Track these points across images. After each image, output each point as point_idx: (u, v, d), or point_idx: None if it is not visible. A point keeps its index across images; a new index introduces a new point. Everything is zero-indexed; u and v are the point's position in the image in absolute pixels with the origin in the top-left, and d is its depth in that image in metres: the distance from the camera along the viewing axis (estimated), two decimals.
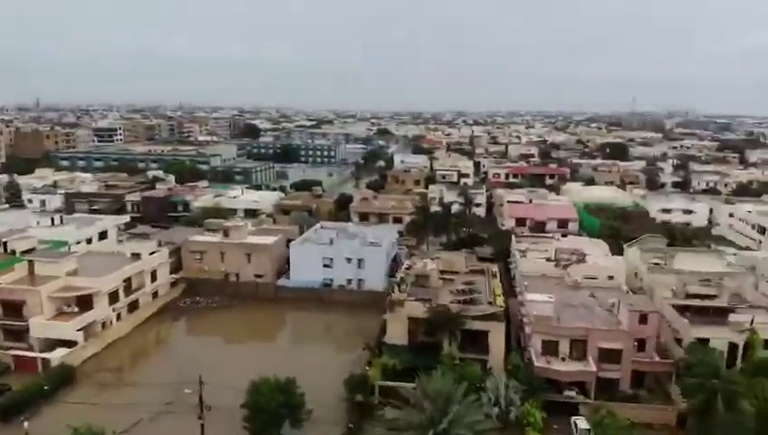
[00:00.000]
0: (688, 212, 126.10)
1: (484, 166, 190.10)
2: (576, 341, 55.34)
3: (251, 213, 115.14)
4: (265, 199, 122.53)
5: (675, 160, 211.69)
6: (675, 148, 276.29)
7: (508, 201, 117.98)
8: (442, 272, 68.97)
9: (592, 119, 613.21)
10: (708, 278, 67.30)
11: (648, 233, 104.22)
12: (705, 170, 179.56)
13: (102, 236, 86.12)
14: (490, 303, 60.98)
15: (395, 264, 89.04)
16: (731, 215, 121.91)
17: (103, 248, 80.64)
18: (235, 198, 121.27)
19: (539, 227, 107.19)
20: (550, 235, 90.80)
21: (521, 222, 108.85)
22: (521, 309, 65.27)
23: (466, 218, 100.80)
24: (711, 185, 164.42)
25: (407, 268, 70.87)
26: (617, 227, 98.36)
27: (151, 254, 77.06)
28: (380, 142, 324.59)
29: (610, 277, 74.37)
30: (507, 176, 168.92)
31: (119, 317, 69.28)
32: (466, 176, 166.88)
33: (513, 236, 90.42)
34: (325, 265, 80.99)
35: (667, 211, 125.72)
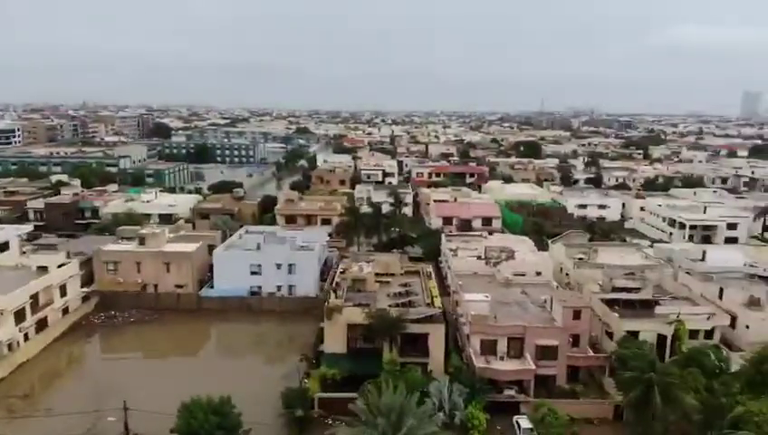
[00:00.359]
0: (603, 207, 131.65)
1: (407, 165, 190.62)
2: (513, 339, 55.38)
3: (166, 218, 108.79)
4: (182, 203, 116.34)
5: (585, 158, 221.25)
6: (583, 145, 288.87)
7: (434, 200, 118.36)
8: (377, 275, 67.35)
9: (503, 118, 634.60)
10: (632, 272, 69.77)
11: (568, 228, 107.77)
12: (614, 166, 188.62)
13: (3, 247, 77.97)
14: (428, 304, 60.03)
15: (326, 267, 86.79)
16: (642, 209, 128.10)
17: (5, 261, 72.92)
18: (148, 202, 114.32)
19: (465, 225, 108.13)
20: (478, 233, 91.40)
21: (448, 221, 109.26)
22: (457, 309, 64.83)
23: (396, 219, 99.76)
24: (620, 180, 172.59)
25: (341, 272, 68.69)
26: (540, 224, 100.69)
27: (60, 266, 70.55)
28: (301, 141, 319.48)
29: (538, 273, 75.94)
30: (430, 175, 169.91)
31: (26, 337, 62.86)
32: (391, 175, 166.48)
33: (442, 236, 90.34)
34: (253, 273, 77.26)
35: (583, 207, 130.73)
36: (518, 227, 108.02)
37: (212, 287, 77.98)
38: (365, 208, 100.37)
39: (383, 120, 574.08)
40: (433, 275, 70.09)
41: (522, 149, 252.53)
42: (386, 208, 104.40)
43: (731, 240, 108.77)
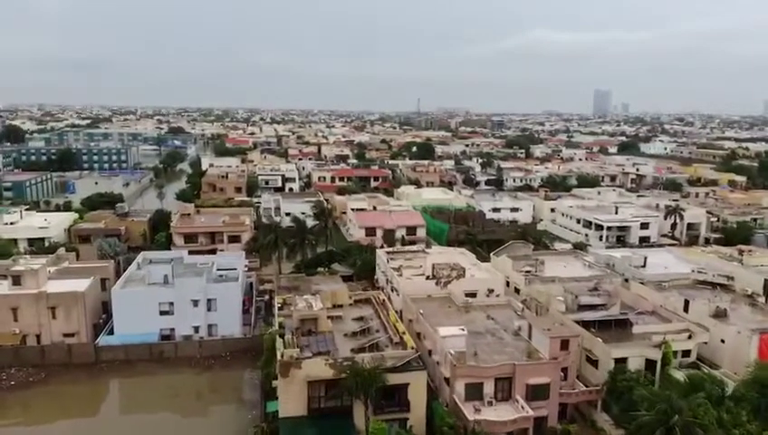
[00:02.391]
0: (515, 210, 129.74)
1: (304, 168, 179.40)
2: (501, 379, 48.22)
3: (38, 243, 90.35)
4: (55, 223, 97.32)
5: (478, 159, 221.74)
6: (467, 146, 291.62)
7: (352, 209, 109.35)
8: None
9: (383, 119, 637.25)
10: (595, 287, 65.40)
11: (491, 234, 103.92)
12: (510, 167, 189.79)
13: None
14: (396, 344, 51.12)
15: (246, 297, 74.84)
16: (552, 210, 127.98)
17: None
18: (12, 224, 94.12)
19: (389, 236, 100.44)
20: (418, 248, 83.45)
21: (371, 231, 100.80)
22: (425, 342, 56.33)
23: (325, 235, 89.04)
24: (518, 181, 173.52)
25: (280, 308, 57.63)
26: (472, 233, 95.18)
27: None
28: (176, 142, 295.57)
29: (490, 291, 69.88)
30: (333, 179, 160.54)
31: None
32: (291, 181, 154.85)
33: (378, 251, 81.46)
34: (163, 312, 63.37)
35: (497, 210, 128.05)
36: (444, 236, 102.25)
37: (111, 333, 63.18)
38: (286, 222, 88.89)
39: (262, 119, 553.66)
40: (387, 304, 61.09)
41: (414, 149, 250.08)
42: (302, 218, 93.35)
43: (643, 239, 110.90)
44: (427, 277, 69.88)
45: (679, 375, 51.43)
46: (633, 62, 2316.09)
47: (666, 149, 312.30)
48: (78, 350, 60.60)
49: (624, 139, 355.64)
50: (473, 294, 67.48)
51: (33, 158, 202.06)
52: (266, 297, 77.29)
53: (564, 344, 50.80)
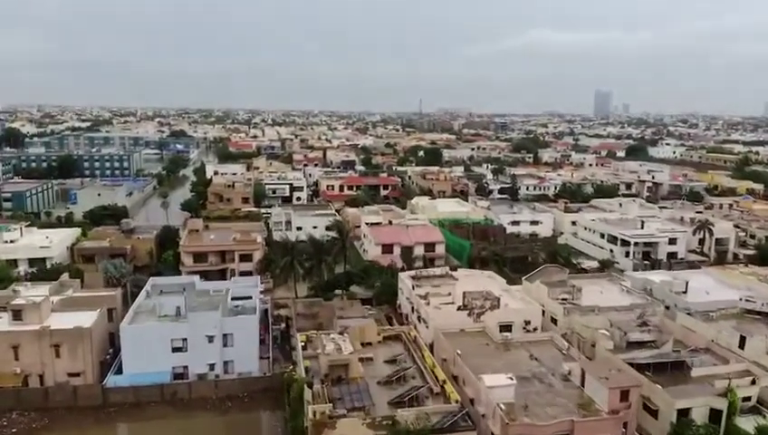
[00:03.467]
0: (535, 223, 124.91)
1: (311, 175, 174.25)
2: None
3: (39, 264, 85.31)
4: (57, 242, 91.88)
5: (489, 165, 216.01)
6: (473, 150, 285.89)
7: (367, 223, 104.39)
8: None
9: (385, 120, 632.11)
10: (645, 322, 60.52)
11: (515, 251, 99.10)
12: (523, 174, 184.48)
13: None
14: (437, 394, 46.28)
15: (262, 325, 69.85)
16: (573, 223, 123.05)
17: None
18: (12, 242, 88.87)
19: (406, 254, 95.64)
20: (445, 272, 78.11)
21: (388, 248, 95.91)
22: (465, 389, 51.43)
23: (344, 256, 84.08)
24: (533, 190, 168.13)
25: (303, 347, 52.73)
26: (497, 252, 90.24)
27: None
28: (179, 146, 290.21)
29: (527, 322, 65.15)
30: (341, 188, 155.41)
31: None
32: (299, 190, 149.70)
33: (401, 275, 76.51)
34: (176, 349, 58.43)
35: (516, 223, 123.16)
36: (465, 254, 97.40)
37: (120, 371, 58.20)
38: (299, 237, 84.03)
39: (263, 120, 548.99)
40: (421, 342, 56.16)
41: (421, 154, 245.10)
42: (315, 233, 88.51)
43: (671, 256, 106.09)
44: (459, 307, 65.04)
45: (748, 426, 46.64)
46: (633, 63, 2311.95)
47: (674, 153, 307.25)
48: (84, 392, 55.60)
49: (630, 142, 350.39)
50: (508, 327, 62.84)
51: (34, 164, 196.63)
52: (282, 325, 72.60)
53: (624, 395, 45.97)
